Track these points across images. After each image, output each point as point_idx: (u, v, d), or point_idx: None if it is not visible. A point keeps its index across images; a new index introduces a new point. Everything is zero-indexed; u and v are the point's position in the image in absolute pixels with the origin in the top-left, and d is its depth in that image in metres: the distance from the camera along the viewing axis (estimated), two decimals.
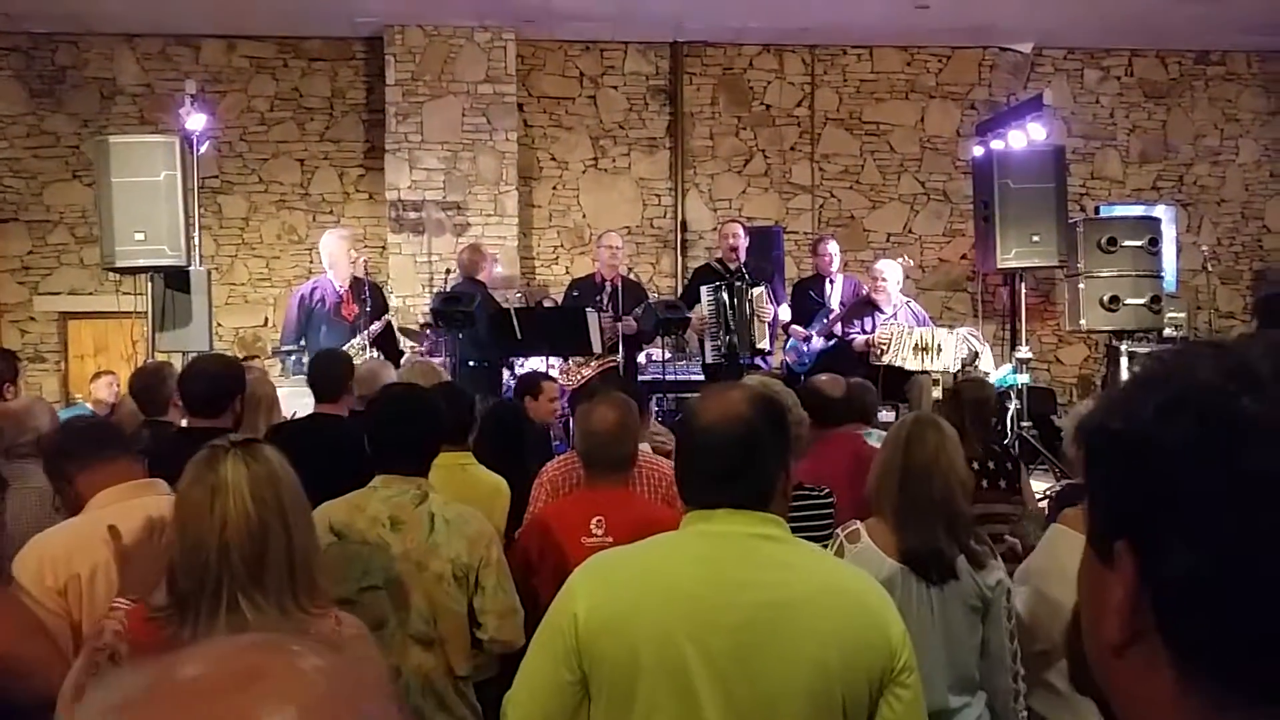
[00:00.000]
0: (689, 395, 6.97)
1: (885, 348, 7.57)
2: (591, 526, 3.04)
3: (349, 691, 0.58)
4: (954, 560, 2.77)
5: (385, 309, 7.51)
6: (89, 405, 8.01)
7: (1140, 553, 0.70)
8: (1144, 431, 0.70)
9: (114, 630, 1.98)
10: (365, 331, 7.21)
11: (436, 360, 6.82)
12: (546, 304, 8.76)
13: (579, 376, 7.44)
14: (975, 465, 4.35)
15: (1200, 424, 0.67)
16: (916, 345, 7.50)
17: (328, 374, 4.47)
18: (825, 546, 3.28)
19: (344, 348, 7.08)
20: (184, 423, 3.99)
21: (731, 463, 1.86)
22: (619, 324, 7.62)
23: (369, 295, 7.33)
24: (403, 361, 6.63)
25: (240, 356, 9.31)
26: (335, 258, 7.46)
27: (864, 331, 7.86)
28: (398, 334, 7.84)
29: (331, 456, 3.49)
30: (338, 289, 7.41)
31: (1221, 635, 0.66)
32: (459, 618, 2.83)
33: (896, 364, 7.46)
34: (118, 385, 8.43)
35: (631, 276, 8.38)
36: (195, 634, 1.90)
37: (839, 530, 2.94)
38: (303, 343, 7.43)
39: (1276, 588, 0.63)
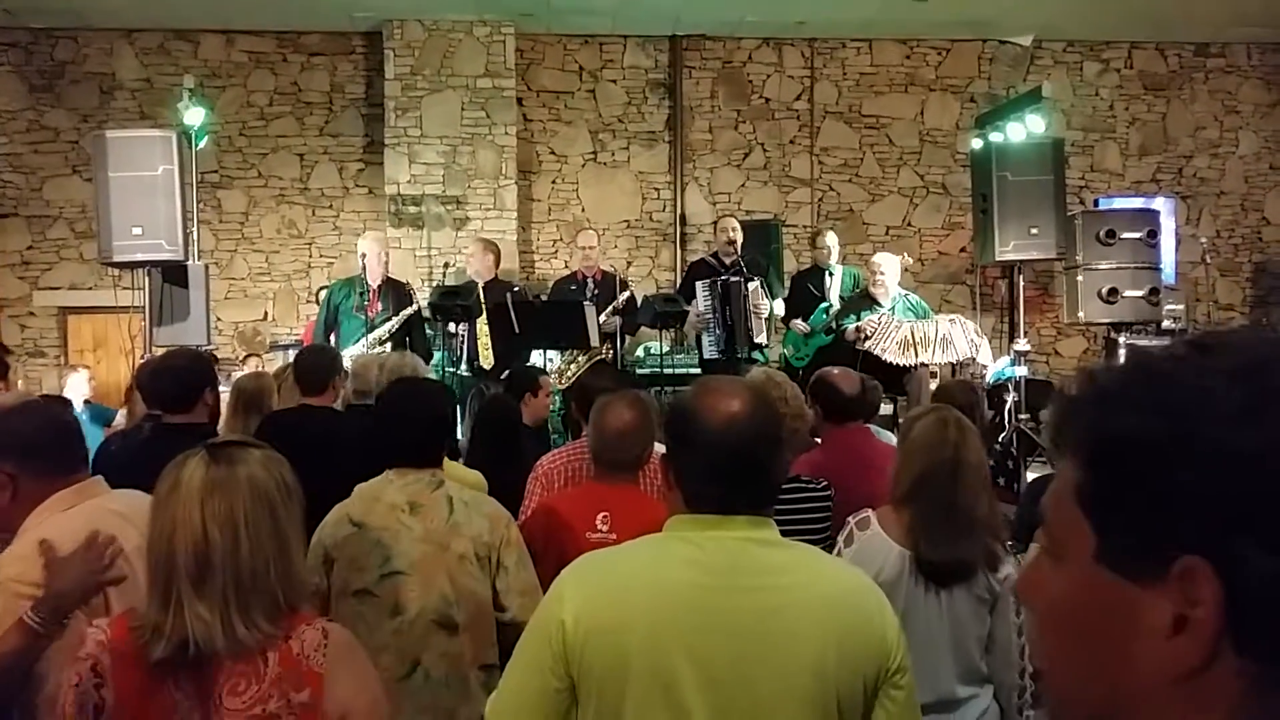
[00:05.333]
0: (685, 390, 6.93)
1: (869, 333, 7.47)
2: (597, 522, 3.01)
3: None
4: (975, 565, 2.74)
5: (409, 304, 7.63)
6: (83, 400, 7.99)
7: (1219, 565, 0.66)
8: (1218, 435, 0.66)
9: (97, 640, 1.86)
10: (384, 326, 7.32)
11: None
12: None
13: (569, 374, 7.46)
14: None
15: None
16: (905, 340, 7.36)
17: (314, 367, 4.50)
18: (826, 537, 3.29)
19: (356, 342, 7.20)
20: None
21: (745, 468, 1.82)
22: (612, 319, 7.67)
23: (392, 294, 7.53)
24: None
25: (242, 354, 9.35)
26: (369, 259, 7.59)
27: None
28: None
29: (320, 448, 3.50)
30: (369, 287, 7.55)
31: None
32: (482, 601, 2.81)
33: (875, 352, 7.28)
34: (93, 378, 8.44)
35: (609, 269, 8.44)
36: (151, 637, 1.83)
37: (850, 518, 2.91)
38: (333, 339, 7.57)
39: None
